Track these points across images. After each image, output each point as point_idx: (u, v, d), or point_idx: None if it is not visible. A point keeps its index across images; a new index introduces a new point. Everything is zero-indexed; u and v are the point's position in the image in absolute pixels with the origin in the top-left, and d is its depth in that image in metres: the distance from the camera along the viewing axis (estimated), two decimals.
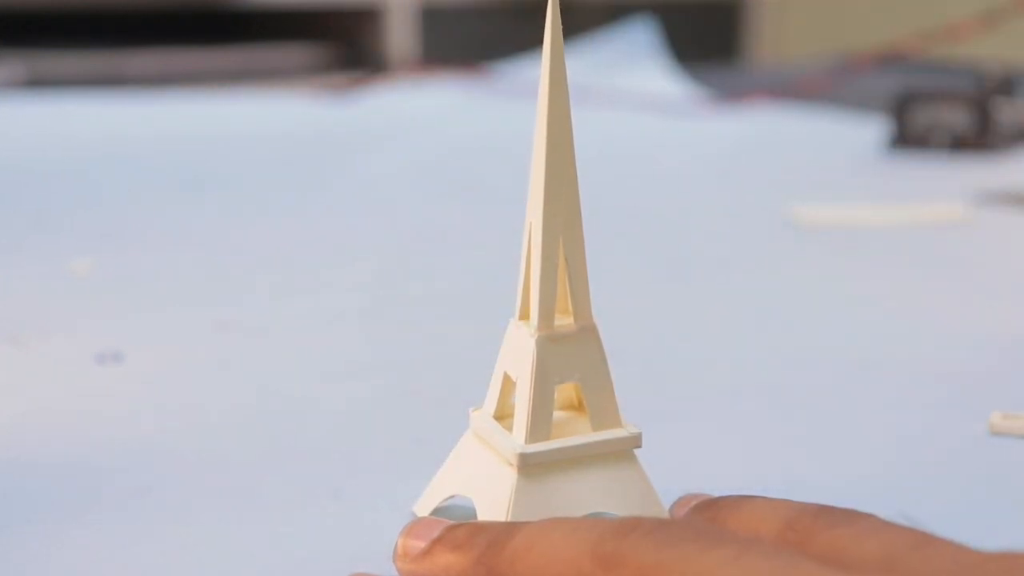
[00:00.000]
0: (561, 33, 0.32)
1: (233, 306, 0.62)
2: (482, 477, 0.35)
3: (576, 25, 1.57)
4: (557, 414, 0.35)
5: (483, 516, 0.34)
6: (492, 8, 2.32)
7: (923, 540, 0.26)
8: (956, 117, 1.04)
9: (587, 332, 0.34)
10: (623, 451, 0.34)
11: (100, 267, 0.69)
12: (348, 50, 2.15)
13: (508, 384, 0.35)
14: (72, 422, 0.46)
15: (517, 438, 0.34)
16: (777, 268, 0.72)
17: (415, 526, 0.32)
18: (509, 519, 0.33)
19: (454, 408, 0.47)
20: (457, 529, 0.31)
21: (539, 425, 0.33)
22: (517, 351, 0.34)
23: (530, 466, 0.33)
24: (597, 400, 0.34)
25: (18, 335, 0.57)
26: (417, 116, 1.28)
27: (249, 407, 0.48)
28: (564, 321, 0.34)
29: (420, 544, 0.31)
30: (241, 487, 0.40)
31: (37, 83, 1.75)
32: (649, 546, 0.26)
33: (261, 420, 0.47)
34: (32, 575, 0.34)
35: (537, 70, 0.34)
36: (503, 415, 0.35)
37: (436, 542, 0.31)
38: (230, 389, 0.50)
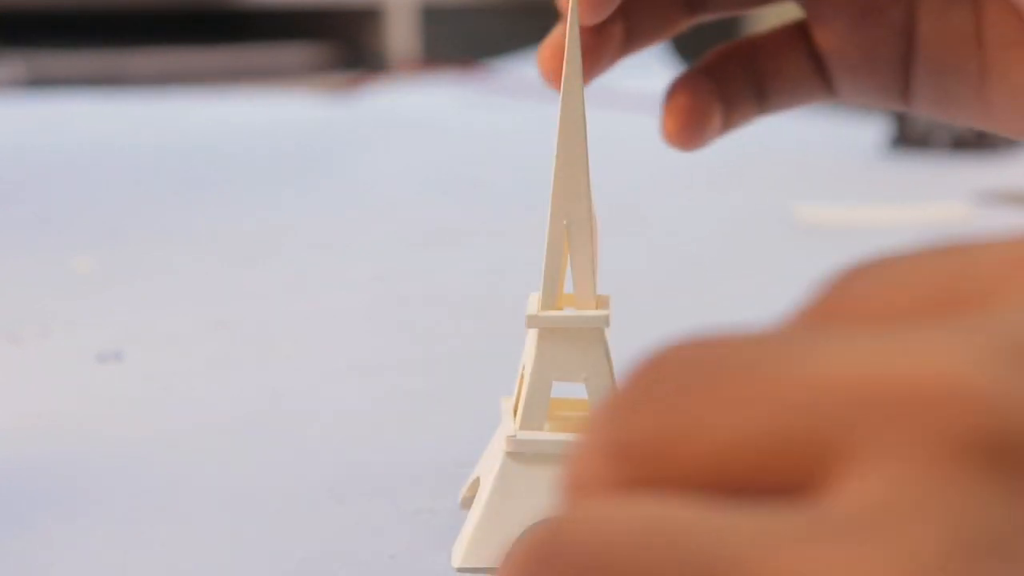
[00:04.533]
0: (578, 29, 0.32)
1: (234, 305, 0.62)
2: (492, 460, 0.36)
3: None
4: (576, 413, 0.36)
5: (480, 495, 0.34)
6: (492, 7, 2.32)
7: None
8: None
9: (593, 333, 0.34)
10: None
11: (101, 265, 0.69)
12: (348, 50, 2.15)
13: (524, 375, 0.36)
14: (72, 421, 0.46)
15: (514, 425, 0.34)
16: (778, 268, 0.71)
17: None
18: (487, 499, 0.34)
19: (453, 407, 0.47)
20: None
21: (532, 414, 0.34)
22: (529, 342, 0.35)
23: (517, 452, 0.34)
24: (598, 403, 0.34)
25: (19, 333, 0.57)
26: (417, 116, 1.28)
27: (249, 406, 0.48)
28: None
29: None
30: (241, 487, 0.40)
31: (38, 82, 1.75)
32: None
33: (261, 419, 0.47)
34: (32, 575, 0.34)
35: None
36: (517, 405, 0.36)
37: None
38: (230, 388, 0.50)
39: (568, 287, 0.34)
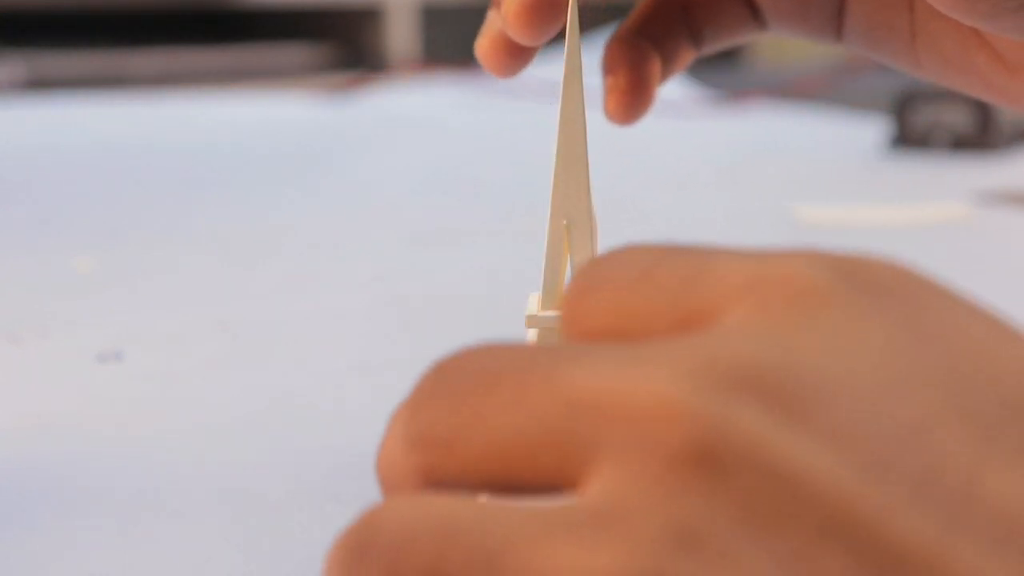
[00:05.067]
0: (578, 29, 0.33)
1: (234, 305, 0.62)
2: None
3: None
4: None
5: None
6: None
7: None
8: (957, 117, 1.04)
9: None
10: None
11: (101, 265, 0.69)
12: (348, 50, 2.15)
13: None
14: (72, 421, 0.46)
15: None
16: None
17: None
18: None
19: None
20: None
21: None
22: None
23: None
24: None
25: (19, 333, 0.57)
26: (417, 116, 1.28)
27: (250, 407, 0.48)
28: None
29: None
30: (241, 487, 0.40)
31: (38, 83, 1.75)
32: None
33: (262, 420, 0.47)
34: (32, 575, 0.34)
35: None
36: None
37: None
38: (231, 388, 0.50)
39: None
